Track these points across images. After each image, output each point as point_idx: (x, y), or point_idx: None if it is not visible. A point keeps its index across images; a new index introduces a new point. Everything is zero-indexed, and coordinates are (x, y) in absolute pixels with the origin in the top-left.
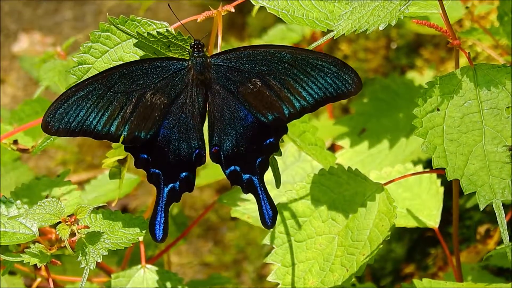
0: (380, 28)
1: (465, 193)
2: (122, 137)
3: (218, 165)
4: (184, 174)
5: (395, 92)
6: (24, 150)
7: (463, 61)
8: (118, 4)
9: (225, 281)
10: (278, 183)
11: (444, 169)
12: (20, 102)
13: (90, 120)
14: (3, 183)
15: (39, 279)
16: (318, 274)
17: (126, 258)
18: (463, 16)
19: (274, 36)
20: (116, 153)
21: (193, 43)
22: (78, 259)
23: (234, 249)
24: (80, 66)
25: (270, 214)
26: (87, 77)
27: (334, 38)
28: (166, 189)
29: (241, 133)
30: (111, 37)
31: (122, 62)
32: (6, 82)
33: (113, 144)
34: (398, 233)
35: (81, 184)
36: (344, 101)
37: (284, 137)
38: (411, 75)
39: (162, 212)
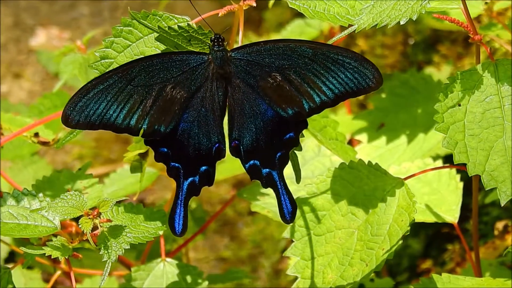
0: (402, 23)
1: (486, 189)
2: (142, 131)
3: (236, 160)
4: (204, 168)
5: (414, 87)
6: (45, 143)
7: (482, 57)
8: (134, 0)
9: (242, 276)
10: (298, 178)
11: (464, 164)
12: (37, 96)
13: (110, 113)
14: (21, 177)
15: (58, 272)
16: (337, 268)
17: (146, 252)
18: (482, 12)
19: (293, 31)
20: (137, 147)
21: (213, 37)
22: (100, 253)
23: (251, 244)
24: (102, 61)
25: (289, 208)
26: (107, 71)
27: (356, 32)
28: (186, 183)
29: (261, 127)
30: (133, 32)
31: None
32: (23, 76)
33: (134, 138)
34: (414, 229)
35: (98, 178)
36: (361, 97)
37: (305, 131)
38: (429, 70)
39: (182, 206)
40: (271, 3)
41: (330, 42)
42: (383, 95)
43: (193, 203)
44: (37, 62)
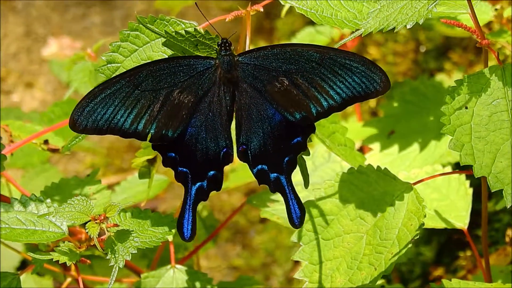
0: (408, 27)
1: (492, 191)
2: (149, 135)
3: (247, 168)
4: (212, 172)
5: (424, 94)
6: (54, 150)
7: (492, 63)
8: (147, 9)
9: (253, 283)
10: (306, 183)
11: (471, 167)
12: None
13: (117, 118)
14: (33, 186)
15: (69, 279)
16: (345, 272)
17: (156, 259)
18: (492, 18)
19: (303, 39)
20: (146, 152)
21: (220, 42)
22: (107, 257)
23: (263, 252)
24: (109, 65)
25: (298, 213)
26: (114, 75)
27: (362, 36)
28: (194, 188)
29: (268, 132)
30: (140, 36)
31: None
32: (35, 86)
33: (142, 144)
34: (426, 236)
35: (110, 187)
36: (372, 104)
37: (314, 137)
38: (440, 77)
39: (190, 211)
40: (284, 12)
41: (337, 45)
42: (394, 102)
43: (204, 211)
44: (49, 72)
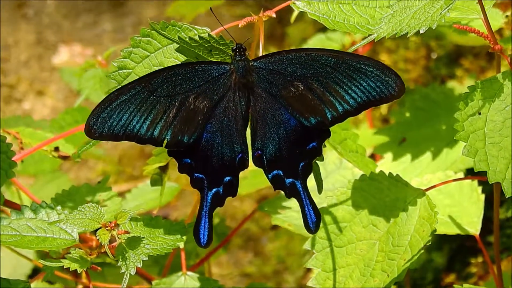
0: (421, 31)
1: (507, 196)
2: (165, 141)
3: (258, 175)
4: (227, 178)
5: (435, 101)
6: (65, 157)
7: (504, 69)
8: (158, 16)
9: None
10: (320, 189)
11: (485, 173)
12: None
13: (133, 124)
14: (43, 193)
15: (80, 286)
16: (358, 280)
17: (167, 266)
18: (503, 25)
19: (314, 45)
20: (157, 160)
21: (235, 47)
22: (118, 264)
23: (275, 259)
24: (120, 71)
25: (313, 219)
26: (130, 81)
27: (375, 41)
28: (210, 194)
29: (283, 137)
30: (151, 42)
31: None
32: (46, 94)
33: (154, 151)
34: (438, 242)
35: (121, 195)
36: (384, 111)
37: (325, 144)
38: (451, 84)
39: (207, 217)
40: (293, 17)
41: (350, 50)
42: (405, 109)
43: (216, 218)
44: (60, 80)
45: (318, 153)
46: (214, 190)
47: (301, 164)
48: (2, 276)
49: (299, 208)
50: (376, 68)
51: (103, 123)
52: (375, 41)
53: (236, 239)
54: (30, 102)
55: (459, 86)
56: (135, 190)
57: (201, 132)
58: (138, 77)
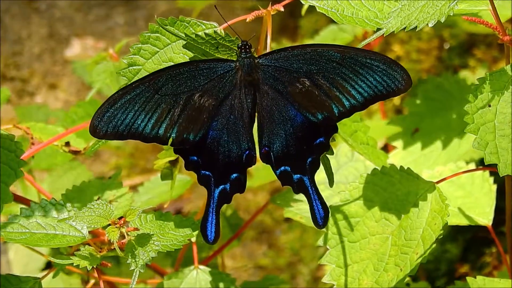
0: (430, 25)
1: None
2: (171, 140)
3: (270, 167)
4: (234, 175)
5: (448, 91)
6: (76, 152)
7: None
8: (170, 9)
9: (278, 282)
10: (331, 182)
11: (495, 165)
12: None
13: (138, 123)
14: (60, 184)
15: (92, 281)
16: (372, 274)
17: (179, 260)
18: None
19: (326, 37)
20: (167, 154)
21: (240, 44)
22: (128, 262)
23: (289, 251)
24: (130, 68)
25: (321, 213)
26: (134, 80)
27: (384, 36)
28: (217, 191)
29: (290, 133)
30: (160, 38)
31: (172, 63)
32: (58, 87)
33: (164, 146)
34: (452, 234)
35: (134, 188)
36: (397, 102)
37: (336, 136)
38: (464, 74)
39: (214, 213)
40: (303, 10)
41: (360, 45)
42: (418, 100)
43: (228, 210)
44: (73, 73)
45: (325, 148)
46: (221, 187)
47: (309, 160)
48: (15, 270)
49: None
50: (382, 63)
51: (107, 123)
52: (385, 35)
53: (250, 232)
54: (42, 95)
55: (472, 76)
56: (147, 183)
57: (207, 130)
58: (145, 75)
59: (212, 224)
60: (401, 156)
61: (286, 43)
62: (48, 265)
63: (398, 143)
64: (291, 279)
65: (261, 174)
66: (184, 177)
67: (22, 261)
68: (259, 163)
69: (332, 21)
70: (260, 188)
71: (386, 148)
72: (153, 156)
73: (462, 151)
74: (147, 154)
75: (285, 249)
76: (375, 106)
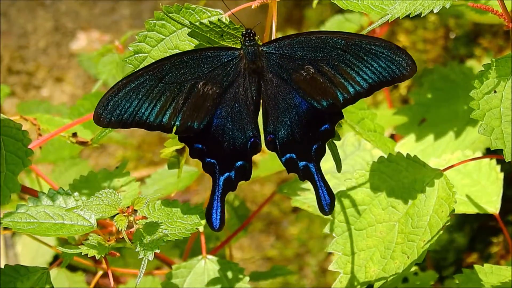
0: (435, 11)
1: None
2: (175, 128)
3: (277, 157)
4: (239, 163)
5: (454, 81)
6: (83, 143)
7: None
8: (175, 0)
9: (285, 273)
10: (339, 167)
11: (502, 153)
12: None
13: (142, 112)
14: (63, 179)
15: (100, 272)
16: (379, 262)
17: (187, 250)
18: None
19: (332, 27)
20: (174, 143)
21: (244, 32)
22: (136, 250)
23: (296, 243)
24: (136, 55)
25: (327, 200)
26: (138, 69)
27: (389, 22)
28: (222, 178)
29: (295, 120)
30: (166, 25)
31: (178, 50)
32: (64, 80)
33: (170, 134)
34: (459, 223)
35: (141, 180)
36: (403, 92)
37: (343, 124)
38: (470, 63)
39: (219, 201)
40: (315, 2)
41: (364, 31)
42: (424, 90)
43: (236, 201)
44: (79, 66)
45: (331, 135)
46: (226, 174)
47: (314, 147)
48: (23, 264)
49: None
50: (387, 49)
51: (111, 111)
52: (390, 21)
53: (257, 223)
54: (48, 89)
55: (478, 65)
56: (154, 175)
57: (212, 118)
58: (150, 62)
59: (217, 212)
60: (408, 146)
61: (292, 33)
62: (56, 259)
63: (405, 133)
64: (299, 270)
65: (267, 165)
66: (192, 169)
67: (29, 254)
68: (266, 153)
69: (338, 12)
70: (267, 180)
71: (393, 138)
72: (160, 148)
73: (470, 141)
74: (154, 146)
75: (292, 240)
76: (382, 96)
